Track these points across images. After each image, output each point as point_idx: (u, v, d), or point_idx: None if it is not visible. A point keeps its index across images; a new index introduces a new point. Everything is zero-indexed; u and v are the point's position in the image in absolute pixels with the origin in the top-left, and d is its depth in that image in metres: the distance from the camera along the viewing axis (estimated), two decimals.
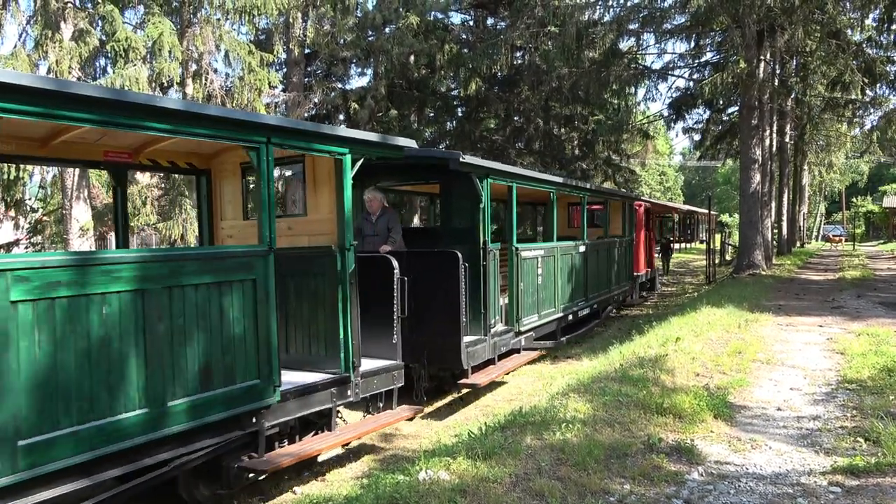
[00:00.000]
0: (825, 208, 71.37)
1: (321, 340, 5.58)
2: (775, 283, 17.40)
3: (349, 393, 5.56)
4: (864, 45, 20.27)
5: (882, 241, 52.20)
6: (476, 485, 3.81)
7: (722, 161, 33.67)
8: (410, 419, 6.80)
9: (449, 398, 8.25)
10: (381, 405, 6.29)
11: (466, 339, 7.30)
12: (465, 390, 8.22)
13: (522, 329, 8.90)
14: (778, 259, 26.73)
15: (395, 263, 6.24)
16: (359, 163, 5.64)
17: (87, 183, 14.95)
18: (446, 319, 7.12)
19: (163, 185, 18.73)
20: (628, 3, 19.97)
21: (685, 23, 19.66)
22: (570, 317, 11.06)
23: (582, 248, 11.57)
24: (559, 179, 11.22)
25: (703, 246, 31.91)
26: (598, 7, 20.50)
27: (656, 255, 28.78)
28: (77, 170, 13.83)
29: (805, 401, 5.97)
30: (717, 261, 23.75)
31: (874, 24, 19.57)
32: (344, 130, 5.76)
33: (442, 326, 7.12)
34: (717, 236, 31.09)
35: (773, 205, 28.59)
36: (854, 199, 64.78)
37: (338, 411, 5.75)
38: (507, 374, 8.69)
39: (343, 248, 5.46)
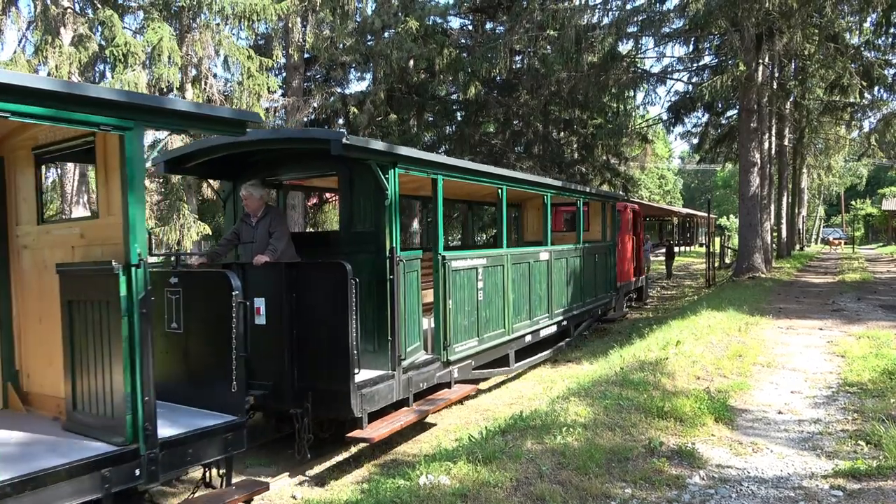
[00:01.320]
0: (824, 211, 71.48)
1: (105, 396, 3.98)
2: (775, 287, 17.40)
3: (137, 473, 3.76)
4: (863, 49, 20.33)
5: (881, 244, 52.28)
6: (477, 489, 3.81)
7: (721, 164, 33.71)
8: (247, 502, 4.71)
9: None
10: (222, 475, 4.57)
11: (362, 376, 5.66)
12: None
13: (454, 358, 7.22)
14: (777, 262, 26.76)
15: (235, 282, 4.41)
16: (162, 142, 4.63)
17: (87, 187, 14.95)
18: (331, 351, 5.50)
19: (162, 190, 18.74)
20: (627, 7, 20.04)
21: (684, 26, 19.72)
22: (529, 337, 9.36)
23: (544, 256, 9.93)
24: (509, 173, 9.34)
25: (703, 249, 31.95)
26: (597, 11, 20.56)
27: (659, 258, 28.83)
28: (77, 174, 13.85)
29: (806, 404, 5.97)
30: (716, 264, 23.77)
31: (872, 28, 19.62)
32: (116, 92, 4.03)
33: (327, 360, 5.54)
34: (717, 240, 31.15)
35: (773, 208, 28.64)
36: (853, 202, 64.94)
37: (144, 492, 4.11)
38: (425, 418, 6.91)
39: (129, 264, 3.76)
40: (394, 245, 6.18)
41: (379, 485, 4.21)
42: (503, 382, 9.08)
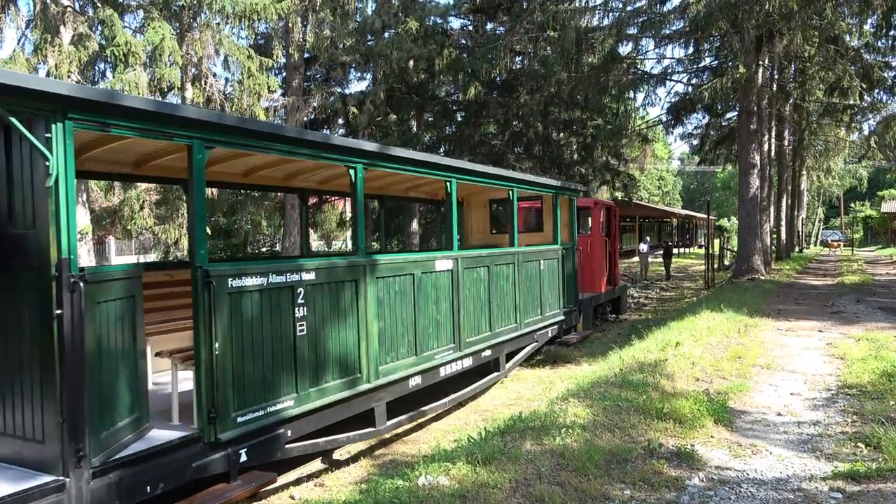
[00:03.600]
0: (824, 213, 71.58)
1: None
2: (774, 288, 17.41)
3: None
4: (862, 51, 20.38)
5: (880, 246, 52.33)
6: (476, 490, 3.80)
7: (721, 166, 33.78)
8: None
9: None
10: None
11: None
12: None
13: (236, 433, 4.56)
14: (777, 264, 26.79)
15: None
16: None
17: (86, 187, 14.93)
18: None
19: (161, 190, 18.73)
20: (628, 8, 20.05)
21: (684, 28, 19.74)
22: (418, 379, 6.71)
23: (444, 265, 7.21)
24: (364, 146, 6.09)
25: (702, 251, 31.95)
26: (597, 12, 20.58)
27: (658, 259, 28.82)
28: None
29: (805, 406, 5.97)
30: (715, 266, 23.79)
31: (872, 30, 19.67)
32: None
33: None
34: (716, 241, 31.21)
35: (772, 210, 28.69)
36: (852, 204, 65.04)
37: None
38: None
39: None
40: (67, 255, 3.66)
41: (378, 485, 4.20)
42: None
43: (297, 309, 5.15)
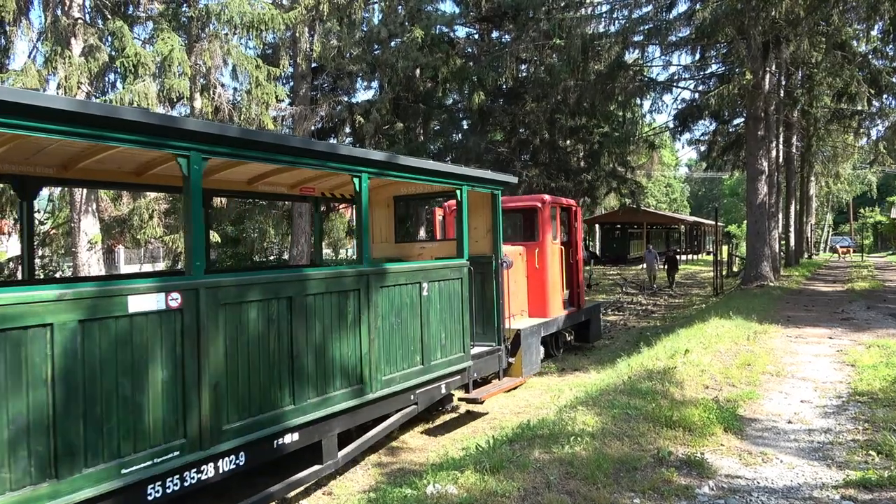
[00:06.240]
0: (833, 219, 71.15)
1: None
2: (784, 295, 17.32)
3: None
4: (870, 56, 20.35)
5: (891, 252, 51.97)
6: (484, 499, 3.79)
7: (729, 172, 33.71)
8: None
9: None
10: None
11: None
12: None
13: None
14: (786, 270, 26.65)
15: None
16: None
17: (96, 196, 15.05)
18: None
19: (170, 199, 18.87)
20: (633, 16, 20.11)
21: (690, 35, 19.77)
22: None
23: (158, 303, 3.95)
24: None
25: (710, 257, 31.79)
26: (603, 19, 20.66)
27: (662, 268, 28.67)
28: None
29: (816, 413, 5.92)
30: (724, 272, 23.66)
31: (879, 36, 19.64)
32: None
33: None
34: (725, 248, 31.05)
35: (781, 216, 28.58)
36: (862, 210, 64.66)
37: None
38: None
39: None
40: None
41: (386, 493, 4.21)
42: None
43: None
